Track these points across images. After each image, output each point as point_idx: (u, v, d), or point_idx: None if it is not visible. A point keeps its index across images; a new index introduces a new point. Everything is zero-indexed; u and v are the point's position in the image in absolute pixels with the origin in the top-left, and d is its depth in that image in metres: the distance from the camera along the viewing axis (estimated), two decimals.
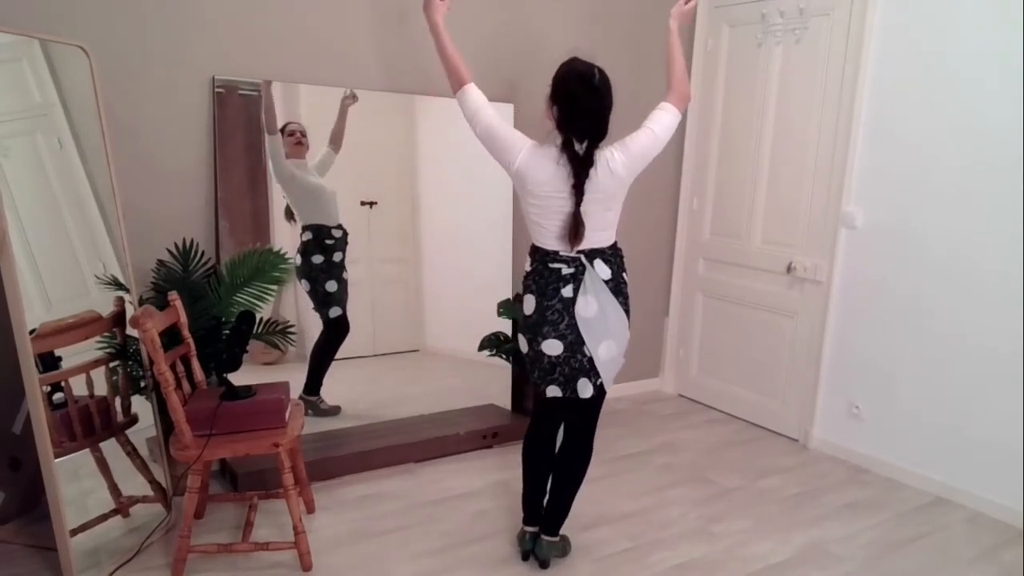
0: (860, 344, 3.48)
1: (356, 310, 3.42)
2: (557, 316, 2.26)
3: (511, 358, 3.74)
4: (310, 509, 2.82)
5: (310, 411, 3.30)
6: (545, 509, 2.52)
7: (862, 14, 3.31)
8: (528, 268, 2.35)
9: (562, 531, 2.54)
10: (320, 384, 3.35)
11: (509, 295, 3.74)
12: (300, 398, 3.27)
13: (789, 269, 3.72)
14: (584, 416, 2.43)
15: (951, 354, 3.15)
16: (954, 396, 3.16)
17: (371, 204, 3.39)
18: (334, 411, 3.38)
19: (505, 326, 3.74)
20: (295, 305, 3.28)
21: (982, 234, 3.02)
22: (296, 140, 3.17)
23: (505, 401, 3.80)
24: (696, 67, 4.12)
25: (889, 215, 3.32)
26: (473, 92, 2.33)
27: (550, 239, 2.28)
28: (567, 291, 2.25)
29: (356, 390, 3.45)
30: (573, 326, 2.26)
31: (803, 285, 3.69)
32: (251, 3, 2.98)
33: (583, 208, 2.20)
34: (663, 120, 2.30)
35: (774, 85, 3.73)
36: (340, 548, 2.60)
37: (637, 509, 2.97)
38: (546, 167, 2.21)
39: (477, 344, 3.67)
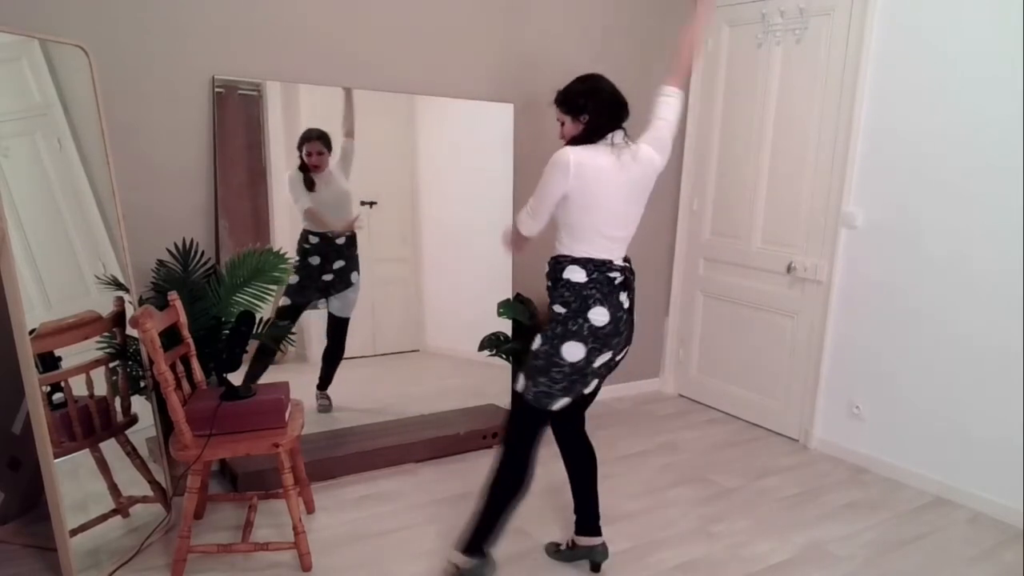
0: (860, 344, 3.48)
1: (356, 310, 3.42)
2: (624, 326, 2.26)
3: (511, 358, 3.74)
4: (310, 509, 2.82)
5: (322, 404, 3.36)
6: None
7: (862, 14, 3.31)
8: (582, 279, 2.20)
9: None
10: (328, 382, 3.39)
11: (509, 295, 3.74)
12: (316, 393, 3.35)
13: (789, 269, 3.72)
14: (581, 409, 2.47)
15: (951, 354, 3.15)
16: (954, 396, 3.15)
17: (371, 204, 3.40)
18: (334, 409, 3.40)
19: (505, 326, 3.74)
20: None
21: (982, 234, 3.02)
22: (313, 162, 3.21)
23: (505, 401, 3.79)
24: (696, 67, 4.12)
25: (889, 215, 3.32)
26: (524, 222, 2.25)
27: (597, 242, 2.22)
28: (623, 298, 2.27)
29: (356, 390, 3.45)
30: (624, 333, 2.29)
31: (803, 285, 3.69)
32: (251, 3, 2.98)
33: (625, 194, 2.23)
34: (674, 105, 2.36)
35: (774, 85, 3.73)
36: (340, 548, 2.60)
37: (637, 509, 2.97)
38: (601, 157, 2.18)
39: (477, 344, 3.67)
